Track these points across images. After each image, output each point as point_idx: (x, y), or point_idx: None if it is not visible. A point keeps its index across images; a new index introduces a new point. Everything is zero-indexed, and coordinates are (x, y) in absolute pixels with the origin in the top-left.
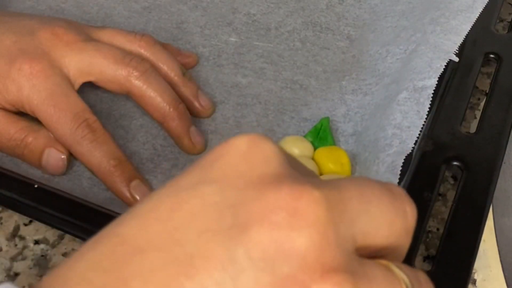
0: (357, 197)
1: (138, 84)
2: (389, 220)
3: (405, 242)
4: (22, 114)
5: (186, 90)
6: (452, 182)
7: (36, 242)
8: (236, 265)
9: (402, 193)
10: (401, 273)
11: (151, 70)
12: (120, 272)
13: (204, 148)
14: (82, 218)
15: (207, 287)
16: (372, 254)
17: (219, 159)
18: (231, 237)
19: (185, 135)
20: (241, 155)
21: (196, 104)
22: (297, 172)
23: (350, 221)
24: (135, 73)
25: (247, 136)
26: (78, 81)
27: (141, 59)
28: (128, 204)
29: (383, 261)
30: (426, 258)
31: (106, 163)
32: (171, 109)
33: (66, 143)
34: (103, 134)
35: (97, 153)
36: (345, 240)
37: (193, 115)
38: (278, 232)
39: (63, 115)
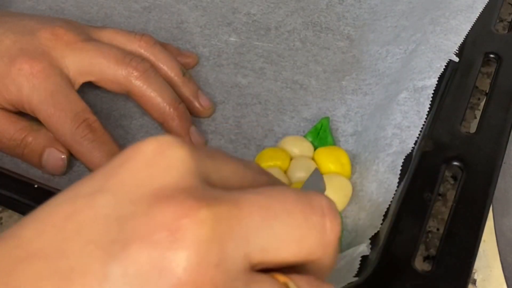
0: (259, 212)
1: (138, 84)
2: (299, 235)
3: (324, 256)
4: (22, 114)
5: (186, 90)
6: (452, 182)
7: None
8: (110, 282)
9: (323, 206)
10: None
11: (151, 70)
12: (9, 277)
13: None
14: None
15: None
16: (279, 267)
17: (122, 165)
18: (111, 252)
19: (185, 135)
20: (145, 162)
21: (196, 104)
22: (202, 184)
23: (243, 238)
24: (135, 73)
25: (156, 140)
26: (78, 81)
27: (141, 59)
28: None
29: (282, 277)
30: (426, 258)
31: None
32: (171, 109)
33: (66, 143)
34: (103, 134)
35: (97, 153)
36: (233, 259)
37: (193, 115)
38: (157, 250)
39: (63, 114)
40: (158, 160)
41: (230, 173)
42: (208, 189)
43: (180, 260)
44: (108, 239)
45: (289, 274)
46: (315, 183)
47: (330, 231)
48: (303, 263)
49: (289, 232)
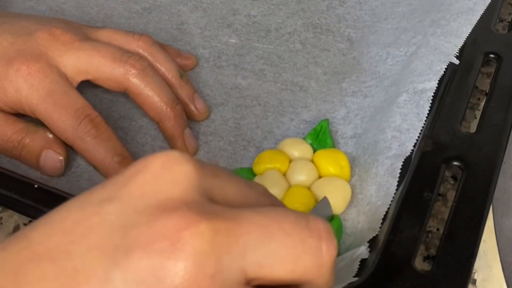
0: (257, 230)
1: (136, 82)
2: (294, 255)
3: (319, 277)
4: (19, 115)
5: (183, 93)
6: (452, 182)
7: None
8: (112, 287)
9: (321, 230)
10: None
11: (149, 68)
12: (17, 276)
13: (195, 152)
14: None
15: None
16: (275, 285)
17: (133, 177)
18: (114, 258)
19: (179, 136)
20: (153, 175)
21: (192, 107)
22: (205, 199)
23: (240, 253)
24: (133, 71)
25: (165, 155)
26: (76, 80)
27: (139, 57)
28: None
29: None
30: (426, 258)
31: (110, 160)
32: (168, 109)
33: (68, 140)
34: (106, 129)
35: (101, 149)
36: (229, 272)
37: (188, 118)
38: (157, 259)
39: (64, 111)
40: (165, 174)
41: (233, 192)
42: (210, 205)
43: (178, 269)
44: (112, 245)
45: None
46: (322, 210)
47: (326, 253)
48: (298, 282)
49: (285, 251)
